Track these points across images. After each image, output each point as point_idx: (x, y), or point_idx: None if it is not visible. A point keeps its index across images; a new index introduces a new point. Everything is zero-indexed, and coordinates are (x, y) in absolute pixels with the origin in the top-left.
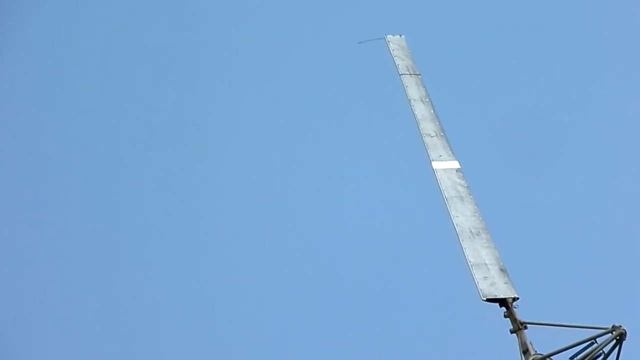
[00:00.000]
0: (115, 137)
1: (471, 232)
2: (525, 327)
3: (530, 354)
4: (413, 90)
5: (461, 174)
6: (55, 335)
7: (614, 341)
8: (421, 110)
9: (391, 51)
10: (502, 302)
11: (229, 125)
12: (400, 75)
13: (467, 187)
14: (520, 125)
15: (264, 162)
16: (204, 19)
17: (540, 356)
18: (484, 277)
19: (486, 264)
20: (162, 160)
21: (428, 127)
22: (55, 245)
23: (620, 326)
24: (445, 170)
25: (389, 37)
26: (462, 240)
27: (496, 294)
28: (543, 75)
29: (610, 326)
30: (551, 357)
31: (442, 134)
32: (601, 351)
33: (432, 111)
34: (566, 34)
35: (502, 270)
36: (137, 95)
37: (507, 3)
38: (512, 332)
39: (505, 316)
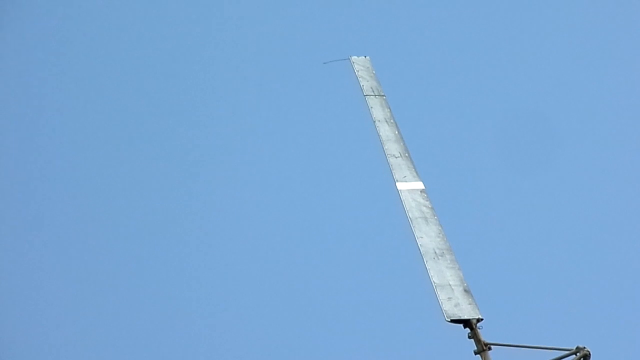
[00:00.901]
0: (116, 137)
1: (435, 253)
2: (490, 348)
3: None
4: (378, 111)
5: (425, 195)
6: (54, 335)
7: None
8: (386, 131)
9: (356, 72)
10: (466, 323)
11: (192, 145)
12: (365, 96)
13: (432, 208)
14: (494, 140)
15: (225, 186)
16: (170, 40)
17: None
18: (448, 298)
19: (450, 285)
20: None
21: (392, 147)
22: (55, 246)
23: (585, 347)
24: (409, 191)
25: (354, 58)
26: (426, 261)
27: (460, 314)
28: (518, 86)
29: (574, 347)
30: None
31: (406, 154)
32: None
33: (396, 132)
34: (545, 40)
35: (467, 291)
36: (131, 98)
37: (475, 21)
38: (476, 353)
39: (469, 337)
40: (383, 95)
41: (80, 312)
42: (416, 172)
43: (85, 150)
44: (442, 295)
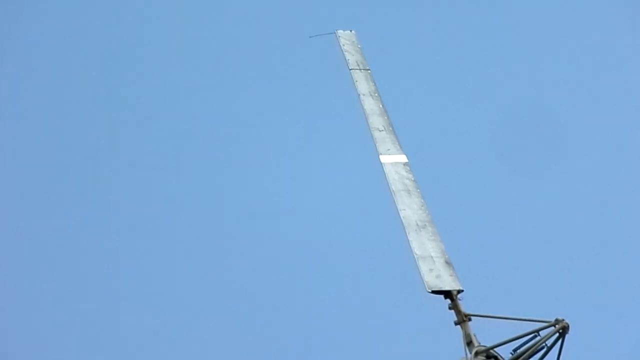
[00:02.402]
0: (116, 136)
1: (417, 225)
2: (470, 319)
3: (474, 346)
4: (362, 85)
5: (408, 168)
6: (55, 335)
7: (557, 334)
8: (370, 105)
9: (341, 46)
10: (447, 294)
11: (181, 116)
12: (350, 70)
13: (414, 180)
14: (477, 115)
15: (212, 156)
16: (153, 17)
17: (483, 348)
18: (430, 270)
19: (432, 257)
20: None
21: (377, 121)
22: (57, 246)
23: (563, 320)
24: (392, 164)
25: (340, 32)
26: (408, 233)
27: (441, 286)
28: (501, 62)
29: (553, 319)
30: (495, 349)
31: (390, 128)
32: (544, 344)
33: (380, 106)
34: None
35: (448, 262)
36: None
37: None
38: (456, 323)
39: (450, 308)
40: (368, 70)
41: (80, 312)
42: (399, 146)
43: (86, 150)
44: (423, 267)
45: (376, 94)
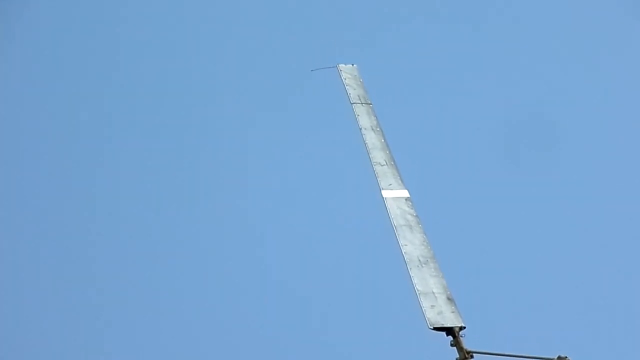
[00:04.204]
0: (116, 136)
1: (419, 260)
2: (472, 356)
3: None
4: (364, 119)
5: (410, 203)
6: (54, 336)
7: None
8: (372, 139)
9: (343, 80)
10: (449, 331)
11: (177, 147)
12: (351, 103)
13: (416, 216)
14: (478, 148)
15: (209, 194)
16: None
17: None
18: (431, 306)
19: (434, 293)
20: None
21: (378, 155)
22: (57, 246)
23: (566, 357)
24: (394, 199)
25: (341, 65)
26: (410, 269)
27: (443, 322)
28: (508, 92)
29: (556, 357)
30: None
31: (392, 162)
32: None
33: (382, 140)
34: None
35: (450, 299)
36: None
37: (464, 27)
38: None
39: (452, 345)
40: (370, 103)
41: (80, 312)
42: (401, 180)
43: (86, 151)
44: (425, 303)
45: (378, 128)
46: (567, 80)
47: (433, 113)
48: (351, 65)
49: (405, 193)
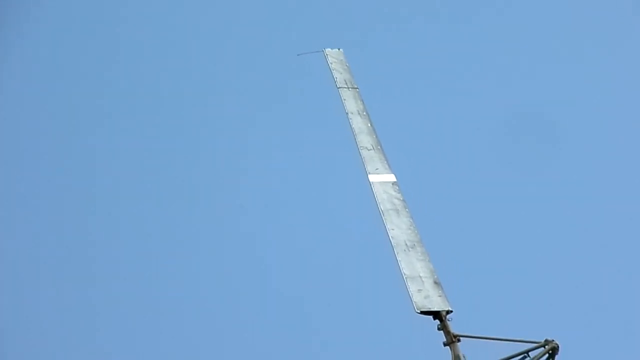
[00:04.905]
0: (116, 136)
1: (406, 244)
2: (459, 340)
3: None
4: (351, 103)
5: (397, 187)
6: (54, 335)
7: (547, 355)
8: (358, 123)
9: (329, 64)
10: (436, 314)
11: (167, 129)
12: (338, 88)
13: (403, 200)
14: (464, 132)
15: (197, 170)
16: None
17: None
18: (418, 290)
19: (421, 277)
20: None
21: (365, 140)
22: (57, 246)
23: (553, 340)
24: (381, 183)
25: (328, 50)
26: (397, 253)
27: (430, 306)
28: (491, 77)
29: (543, 340)
30: None
31: (378, 147)
32: None
33: (369, 124)
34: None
35: (437, 283)
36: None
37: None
38: (445, 344)
39: (438, 329)
40: (356, 88)
41: (79, 312)
42: (388, 165)
43: (86, 150)
44: (412, 287)
45: (364, 113)
46: (567, 80)
47: (419, 97)
48: (337, 50)
49: (392, 177)
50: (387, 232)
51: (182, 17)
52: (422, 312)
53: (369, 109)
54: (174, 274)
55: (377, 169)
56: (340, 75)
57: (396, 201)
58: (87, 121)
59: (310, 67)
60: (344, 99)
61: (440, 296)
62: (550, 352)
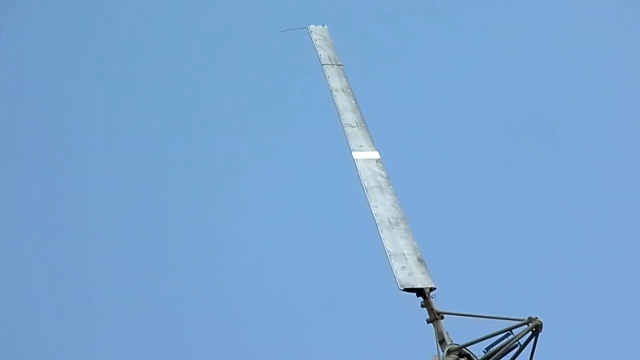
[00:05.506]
0: (115, 135)
1: (390, 222)
2: (442, 317)
3: (446, 344)
4: (335, 80)
5: (381, 165)
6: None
7: (530, 333)
8: (342, 101)
9: (313, 41)
10: (420, 292)
11: (151, 110)
12: (322, 65)
13: (387, 177)
14: (450, 110)
15: (179, 152)
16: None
17: (456, 346)
18: (402, 267)
19: (404, 254)
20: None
21: (349, 117)
22: (57, 246)
23: (537, 318)
24: (365, 160)
25: (312, 27)
26: (380, 230)
27: (413, 283)
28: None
29: (526, 318)
30: (467, 347)
31: (363, 124)
32: (517, 342)
33: (353, 102)
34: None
35: (420, 260)
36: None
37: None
38: (428, 322)
39: (422, 306)
40: (340, 65)
41: (80, 312)
42: (372, 142)
43: (85, 150)
44: (395, 264)
45: (349, 90)
46: (567, 80)
47: (404, 74)
48: (322, 27)
49: (376, 154)
50: (371, 209)
51: (182, 17)
52: (406, 289)
53: (352, 85)
54: (172, 274)
55: (361, 146)
56: (324, 52)
57: (380, 178)
58: (86, 121)
59: (293, 43)
60: (328, 76)
61: (423, 273)
62: (534, 329)
